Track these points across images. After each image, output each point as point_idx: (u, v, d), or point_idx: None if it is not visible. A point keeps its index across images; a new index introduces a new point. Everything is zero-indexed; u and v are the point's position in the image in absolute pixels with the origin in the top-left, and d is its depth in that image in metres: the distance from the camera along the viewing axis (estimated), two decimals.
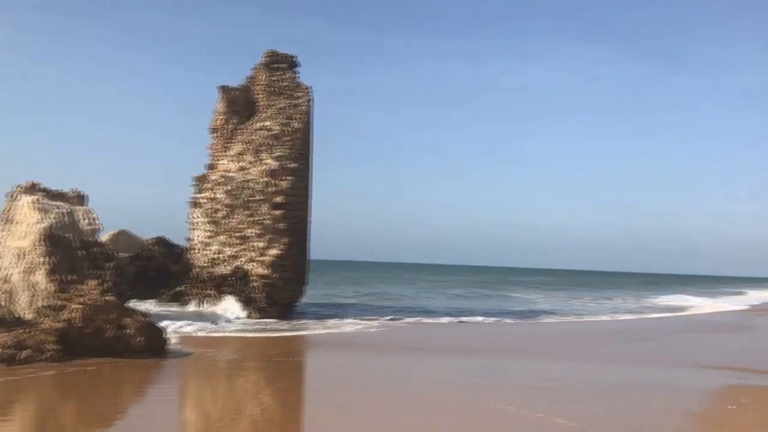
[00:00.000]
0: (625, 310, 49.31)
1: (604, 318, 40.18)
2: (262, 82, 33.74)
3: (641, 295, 76.00)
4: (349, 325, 28.38)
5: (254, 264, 31.07)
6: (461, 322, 33.08)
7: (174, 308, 30.86)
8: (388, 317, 32.93)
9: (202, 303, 31.21)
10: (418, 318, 33.85)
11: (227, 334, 23.53)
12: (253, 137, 32.34)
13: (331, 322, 29.44)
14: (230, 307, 30.56)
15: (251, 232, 31.25)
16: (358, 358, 19.52)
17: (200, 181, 32.96)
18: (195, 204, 32.77)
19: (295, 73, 34.10)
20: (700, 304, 59.96)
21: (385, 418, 11.35)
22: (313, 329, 26.45)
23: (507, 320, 35.00)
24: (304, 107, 33.01)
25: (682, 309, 52.55)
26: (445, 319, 33.70)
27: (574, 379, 16.39)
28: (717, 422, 11.02)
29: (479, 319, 34.76)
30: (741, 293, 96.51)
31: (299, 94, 33.35)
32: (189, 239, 32.89)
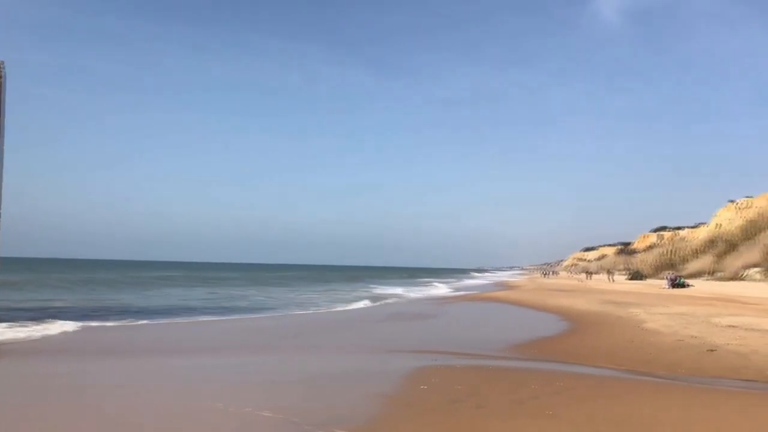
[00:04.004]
0: (338, 301, 52.19)
1: (320, 310, 42.00)
2: None
3: (361, 287, 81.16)
4: (50, 329, 25.52)
5: None
6: (178, 321, 32.02)
7: None
8: (98, 319, 30.55)
9: None
10: (134, 320, 31.92)
11: None
12: None
13: (30, 328, 26.08)
14: None
15: None
16: (54, 366, 17.70)
17: None
18: None
19: None
20: (404, 293, 65.87)
21: (78, 430, 10.46)
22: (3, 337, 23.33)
23: (219, 318, 34.82)
24: None
25: (387, 298, 57.18)
26: (163, 320, 32.30)
27: (283, 371, 16.79)
28: (408, 402, 12.00)
29: (200, 318, 34.13)
30: (447, 282, 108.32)
31: None
32: None
